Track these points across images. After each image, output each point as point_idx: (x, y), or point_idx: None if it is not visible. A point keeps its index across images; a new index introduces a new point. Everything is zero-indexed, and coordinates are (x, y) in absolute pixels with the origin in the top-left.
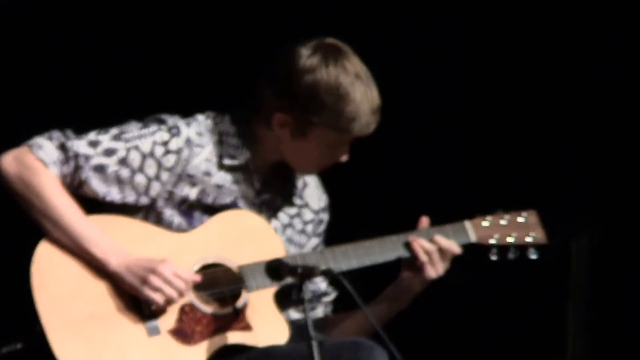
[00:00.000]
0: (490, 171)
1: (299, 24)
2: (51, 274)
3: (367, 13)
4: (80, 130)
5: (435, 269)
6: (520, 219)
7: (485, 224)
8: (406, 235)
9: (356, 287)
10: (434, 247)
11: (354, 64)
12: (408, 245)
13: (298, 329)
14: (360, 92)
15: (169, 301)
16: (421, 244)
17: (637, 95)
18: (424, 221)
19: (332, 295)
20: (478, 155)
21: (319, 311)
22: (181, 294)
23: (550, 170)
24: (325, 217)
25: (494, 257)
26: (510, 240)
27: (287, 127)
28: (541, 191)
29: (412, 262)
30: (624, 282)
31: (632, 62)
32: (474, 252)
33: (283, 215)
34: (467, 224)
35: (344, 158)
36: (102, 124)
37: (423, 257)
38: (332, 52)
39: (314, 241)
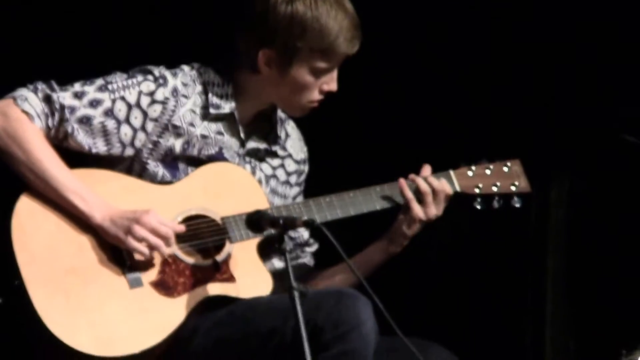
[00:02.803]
0: (471, 122)
1: None
2: (31, 228)
3: None
4: (64, 81)
5: (425, 211)
6: (504, 169)
7: (469, 173)
8: (390, 185)
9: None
10: (427, 187)
11: None
12: (390, 197)
13: (281, 278)
14: (341, 10)
15: (154, 251)
16: (416, 181)
17: (624, 46)
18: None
19: (314, 247)
20: (459, 106)
21: (305, 261)
22: (166, 242)
23: (531, 121)
24: (305, 168)
25: (478, 206)
26: (494, 189)
27: (273, 62)
28: (522, 142)
29: (406, 209)
30: (601, 231)
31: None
32: (459, 201)
33: (267, 166)
34: (452, 174)
35: (333, 86)
36: (85, 76)
37: (408, 194)
38: None
39: (295, 190)
